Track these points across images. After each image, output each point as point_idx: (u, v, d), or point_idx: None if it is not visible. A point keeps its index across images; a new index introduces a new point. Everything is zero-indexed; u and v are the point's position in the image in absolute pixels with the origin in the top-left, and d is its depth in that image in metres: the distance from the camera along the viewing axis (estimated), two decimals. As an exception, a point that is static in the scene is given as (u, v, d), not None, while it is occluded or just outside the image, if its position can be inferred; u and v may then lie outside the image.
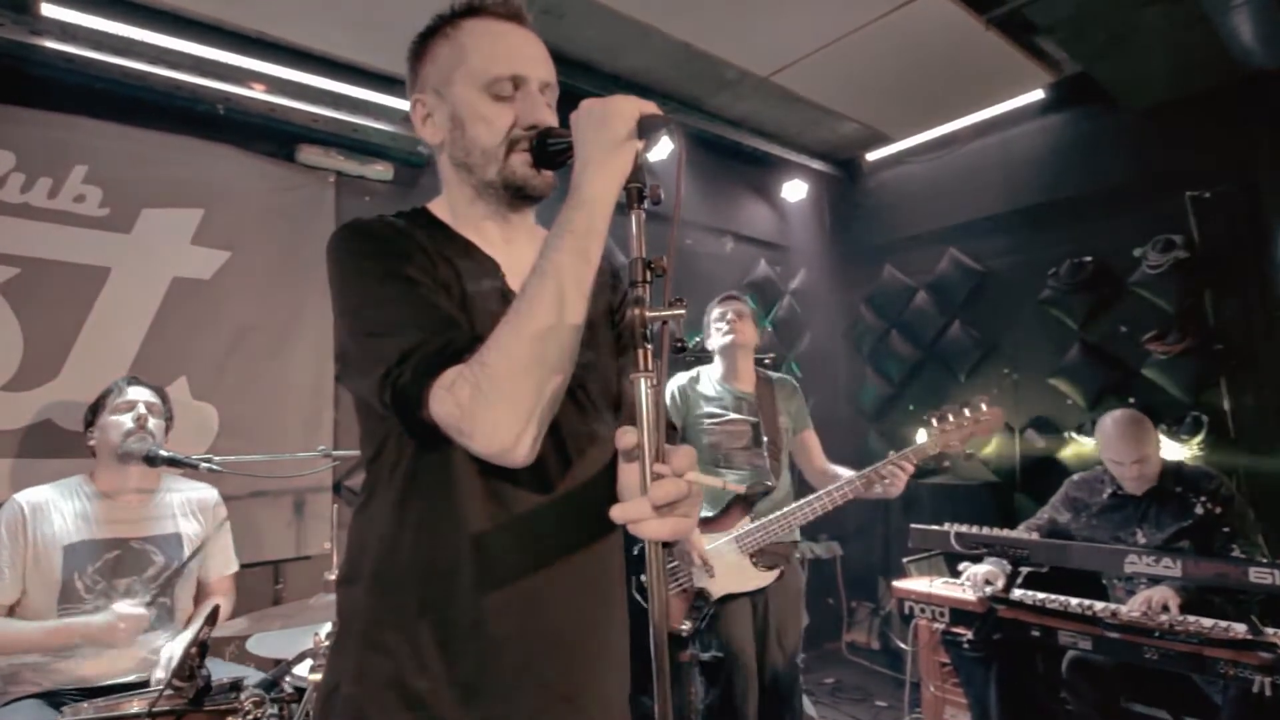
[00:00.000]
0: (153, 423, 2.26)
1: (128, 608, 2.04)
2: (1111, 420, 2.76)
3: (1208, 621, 2.23)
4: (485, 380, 0.81)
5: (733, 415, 2.72)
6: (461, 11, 1.06)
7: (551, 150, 0.99)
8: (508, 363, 0.81)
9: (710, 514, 2.66)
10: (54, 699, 1.96)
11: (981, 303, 4.46)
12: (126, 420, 2.22)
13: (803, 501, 2.60)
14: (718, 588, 2.57)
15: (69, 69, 2.64)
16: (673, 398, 2.73)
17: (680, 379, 2.70)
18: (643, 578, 2.50)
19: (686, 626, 2.51)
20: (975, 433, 2.44)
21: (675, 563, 2.55)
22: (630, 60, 3.51)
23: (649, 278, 0.79)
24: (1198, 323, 3.53)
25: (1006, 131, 4.26)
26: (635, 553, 2.44)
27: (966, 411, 2.45)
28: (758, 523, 2.60)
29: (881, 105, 4.09)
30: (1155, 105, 3.63)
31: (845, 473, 2.63)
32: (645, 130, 0.86)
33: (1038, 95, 3.93)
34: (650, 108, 0.87)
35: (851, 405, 5.18)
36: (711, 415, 2.69)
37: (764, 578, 2.63)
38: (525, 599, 0.96)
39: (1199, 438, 3.40)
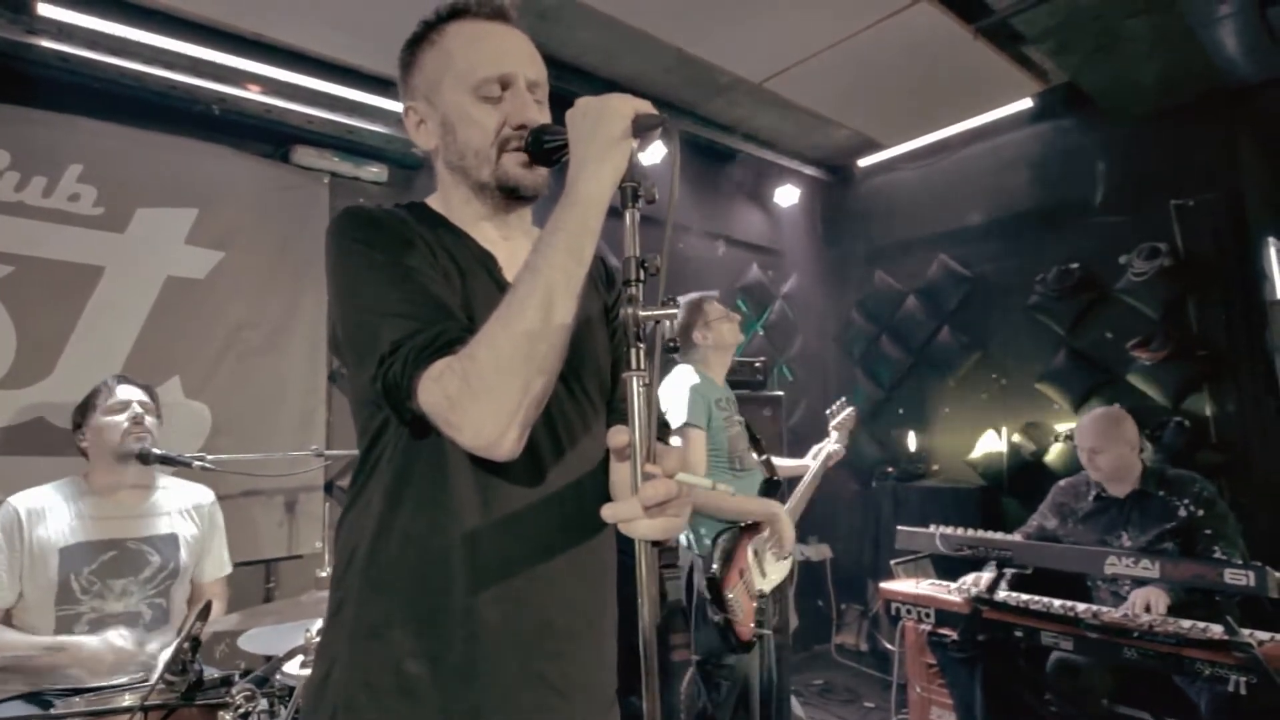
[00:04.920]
0: (149, 420, 2.25)
1: (120, 640, 2.02)
2: (1090, 413, 2.89)
3: (1186, 622, 2.26)
4: (473, 374, 0.82)
5: (735, 415, 2.72)
6: (445, 16, 1.06)
7: (547, 147, 1.00)
8: (495, 358, 0.82)
9: None
10: (44, 698, 1.97)
11: (970, 308, 4.51)
12: (122, 420, 2.20)
13: (804, 491, 2.78)
14: (768, 584, 2.59)
15: (65, 68, 2.65)
16: (696, 400, 2.55)
17: (691, 378, 2.58)
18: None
19: (761, 630, 2.51)
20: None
21: (743, 563, 2.54)
22: (624, 65, 3.53)
23: (642, 277, 0.80)
24: (1182, 329, 3.58)
25: (996, 139, 4.31)
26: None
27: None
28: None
29: (873, 112, 4.13)
30: (1141, 115, 3.69)
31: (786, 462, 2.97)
32: (640, 130, 0.87)
33: (1026, 104, 3.98)
34: (646, 107, 0.88)
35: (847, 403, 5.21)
36: (726, 415, 2.66)
37: (785, 569, 2.66)
38: (516, 588, 0.97)
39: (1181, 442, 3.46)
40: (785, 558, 2.65)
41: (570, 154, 0.90)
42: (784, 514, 2.54)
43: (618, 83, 3.68)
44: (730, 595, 2.42)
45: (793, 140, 4.58)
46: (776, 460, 2.87)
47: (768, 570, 2.59)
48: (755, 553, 2.56)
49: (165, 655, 2.02)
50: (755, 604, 2.52)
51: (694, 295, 2.78)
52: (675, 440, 2.45)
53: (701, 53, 3.38)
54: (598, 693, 1.06)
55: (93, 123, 2.76)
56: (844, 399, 3.16)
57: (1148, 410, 3.61)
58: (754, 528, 2.59)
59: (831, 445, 2.96)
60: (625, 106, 0.87)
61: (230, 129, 3.06)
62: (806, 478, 2.88)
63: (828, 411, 3.11)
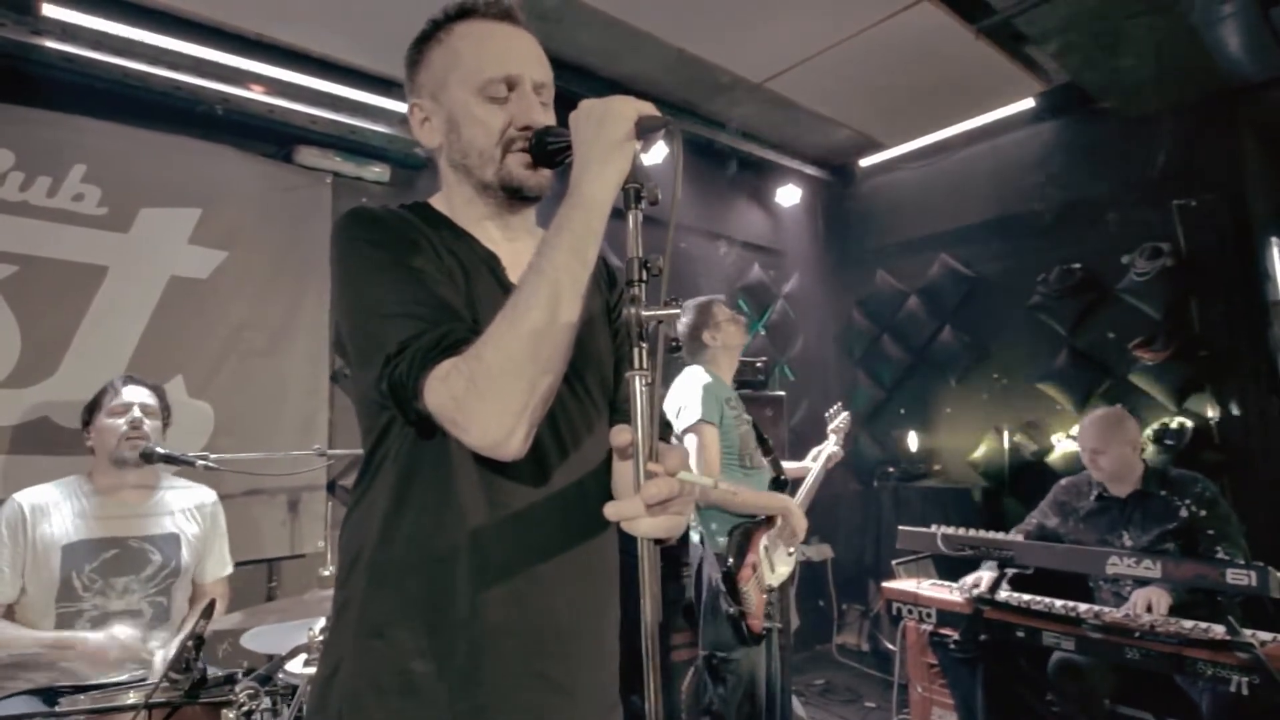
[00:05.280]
0: (148, 425, 2.26)
1: (125, 633, 2.03)
2: (1092, 413, 2.90)
3: (1188, 623, 2.26)
4: (479, 374, 0.82)
5: (744, 414, 2.74)
6: (453, 15, 1.07)
7: (551, 149, 1.00)
8: (501, 358, 0.82)
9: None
10: (49, 695, 1.97)
11: (972, 308, 4.51)
12: (121, 424, 2.22)
13: (808, 491, 2.82)
14: (776, 579, 2.62)
15: (69, 69, 2.66)
16: (709, 398, 2.58)
17: (703, 378, 2.61)
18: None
19: (770, 624, 2.54)
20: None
21: (755, 557, 2.59)
22: (626, 65, 3.54)
23: (645, 277, 0.80)
24: (1184, 329, 3.58)
25: (997, 139, 4.31)
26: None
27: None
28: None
29: (874, 112, 4.13)
30: (1143, 115, 3.69)
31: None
32: (644, 131, 0.87)
33: (1028, 104, 3.98)
34: (649, 109, 0.88)
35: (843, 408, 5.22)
36: (736, 414, 2.69)
37: (790, 566, 2.70)
38: (521, 589, 0.97)
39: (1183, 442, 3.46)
40: (793, 553, 2.70)
41: (574, 156, 0.90)
42: (796, 506, 2.62)
43: (619, 83, 3.68)
44: (744, 589, 2.48)
45: (794, 140, 4.59)
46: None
47: (776, 566, 2.63)
48: (766, 548, 2.60)
49: (167, 651, 2.04)
50: (765, 597, 2.56)
51: (702, 298, 2.84)
52: (689, 440, 2.50)
53: (702, 53, 3.38)
54: (600, 692, 1.07)
55: (97, 123, 2.76)
56: (839, 404, 3.26)
57: (1150, 410, 3.62)
58: (765, 523, 2.62)
59: (831, 447, 3.06)
60: (628, 109, 0.87)
61: (233, 129, 3.07)
62: (809, 479, 2.92)
63: (826, 415, 3.21)
